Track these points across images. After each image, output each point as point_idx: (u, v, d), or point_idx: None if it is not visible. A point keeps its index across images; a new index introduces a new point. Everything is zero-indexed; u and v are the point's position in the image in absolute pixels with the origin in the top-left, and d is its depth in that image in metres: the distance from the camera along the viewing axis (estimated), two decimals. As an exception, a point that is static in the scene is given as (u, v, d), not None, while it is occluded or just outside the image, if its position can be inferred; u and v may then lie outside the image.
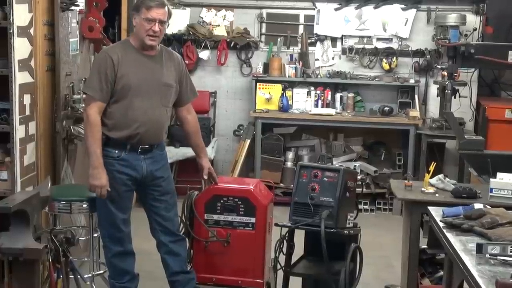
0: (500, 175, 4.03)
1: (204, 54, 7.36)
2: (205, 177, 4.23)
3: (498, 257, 2.71)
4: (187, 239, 4.25)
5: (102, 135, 3.90)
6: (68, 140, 4.90)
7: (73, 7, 4.89)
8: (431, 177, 4.31)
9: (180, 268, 4.16)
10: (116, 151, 3.93)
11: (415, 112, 6.95)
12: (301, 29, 7.43)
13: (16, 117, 4.13)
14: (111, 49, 4.03)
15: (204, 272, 4.24)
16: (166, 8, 3.93)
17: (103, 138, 3.90)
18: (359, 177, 4.24)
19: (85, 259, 4.83)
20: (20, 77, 4.17)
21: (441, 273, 4.18)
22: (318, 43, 7.39)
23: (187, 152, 6.24)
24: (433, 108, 7.21)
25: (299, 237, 4.08)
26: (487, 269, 2.62)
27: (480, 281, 2.51)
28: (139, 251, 4.25)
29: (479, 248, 2.78)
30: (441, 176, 4.35)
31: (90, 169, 3.88)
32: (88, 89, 3.95)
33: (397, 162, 7.23)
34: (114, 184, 3.92)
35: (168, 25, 4.09)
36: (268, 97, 7.18)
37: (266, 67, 7.33)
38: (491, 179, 4.05)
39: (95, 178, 3.85)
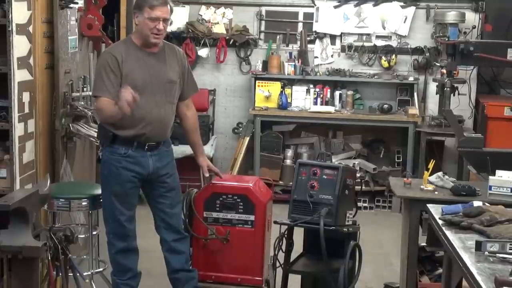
0: (499, 172, 4.03)
1: (203, 52, 7.36)
2: (206, 175, 4.23)
3: (497, 254, 2.71)
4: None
5: (109, 132, 3.89)
6: (67, 138, 4.90)
7: (72, 5, 4.88)
8: (430, 175, 4.30)
9: (180, 266, 4.14)
10: (123, 148, 3.91)
11: (414, 110, 6.95)
12: (300, 27, 7.42)
13: (15, 115, 4.13)
14: (113, 48, 3.98)
15: (203, 269, 4.24)
16: (169, 6, 3.89)
17: (110, 136, 3.90)
18: (358, 175, 4.24)
19: (84, 257, 4.83)
20: (19, 75, 4.16)
21: (440, 270, 4.17)
22: (317, 40, 7.38)
23: (186, 150, 6.21)
24: (432, 105, 7.21)
25: (298, 234, 4.08)
26: (486, 267, 2.61)
27: (479, 278, 2.51)
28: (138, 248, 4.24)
29: (478, 246, 2.78)
30: (440, 173, 4.35)
31: (118, 112, 3.70)
32: (96, 92, 3.90)
33: (396, 160, 7.22)
34: (120, 181, 3.91)
35: (171, 23, 4.06)
36: (267, 94, 7.17)
37: (265, 65, 7.32)
38: (490, 177, 4.04)
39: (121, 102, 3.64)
